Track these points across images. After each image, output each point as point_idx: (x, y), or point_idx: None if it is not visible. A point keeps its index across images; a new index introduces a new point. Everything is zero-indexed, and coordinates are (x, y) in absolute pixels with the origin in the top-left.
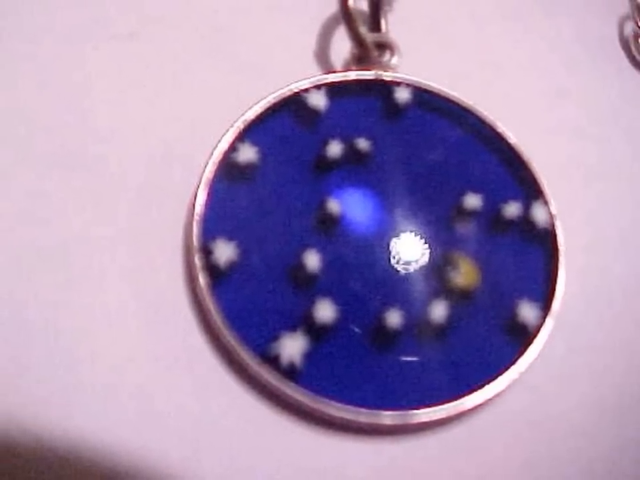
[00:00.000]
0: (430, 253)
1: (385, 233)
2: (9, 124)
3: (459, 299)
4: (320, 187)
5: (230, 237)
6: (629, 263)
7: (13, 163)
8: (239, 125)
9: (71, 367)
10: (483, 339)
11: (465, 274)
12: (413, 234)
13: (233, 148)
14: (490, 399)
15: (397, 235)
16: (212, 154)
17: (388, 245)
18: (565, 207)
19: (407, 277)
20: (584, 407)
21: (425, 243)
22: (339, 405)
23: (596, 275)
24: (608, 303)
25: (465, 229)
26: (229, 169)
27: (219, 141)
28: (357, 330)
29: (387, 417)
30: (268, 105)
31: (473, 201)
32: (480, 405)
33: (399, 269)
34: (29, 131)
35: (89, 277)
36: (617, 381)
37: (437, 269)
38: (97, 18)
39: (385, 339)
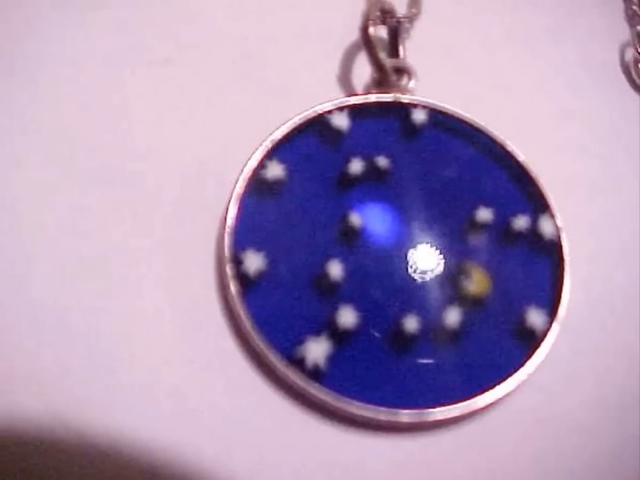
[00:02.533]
0: (445, 262)
1: (403, 244)
2: (54, 143)
3: (472, 305)
4: (342, 201)
5: (259, 248)
6: (630, 272)
7: (57, 179)
8: (267, 144)
9: (111, 369)
10: (493, 342)
11: (477, 282)
12: (429, 245)
13: (261, 165)
14: (500, 399)
15: (414, 246)
16: (242, 171)
17: (406, 256)
18: (570, 220)
19: (423, 285)
20: (588, 406)
21: (440, 253)
22: (360, 404)
23: (599, 283)
24: (610, 309)
25: (477, 240)
26: (258, 185)
27: (249, 159)
28: (376, 334)
29: (405, 415)
30: (294, 126)
31: (484, 214)
32: (491, 404)
33: (415, 277)
34: (72, 150)
35: (127, 285)
36: (618, 382)
37: (451, 277)
38: (134, 44)
39: (402, 342)
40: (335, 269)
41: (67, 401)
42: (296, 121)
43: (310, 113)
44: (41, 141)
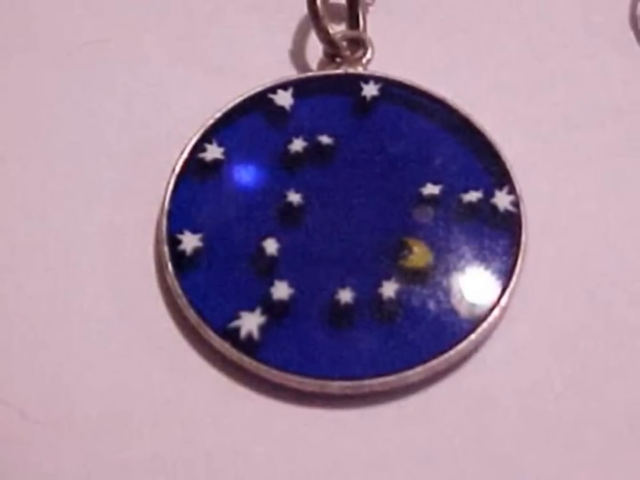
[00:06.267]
0: (384, 238)
1: (341, 222)
2: None
3: (411, 278)
4: (282, 181)
5: (196, 229)
6: (587, 246)
7: None
8: (207, 126)
9: (51, 349)
10: (434, 316)
11: (417, 256)
12: (368, 222)
13: (201, 148)
14: (439, 372)
15: (353, 223)
16: (182, 153)
17: (345, 232)
18: (530, 194)
19: (360, 259)
20: (534, 384)
21: (380, 229)
22: (295, 375)
23: (554, 259)
24: (563, 286)
25: (423, 216)
26: (196, 167)
27: (189, 141)
28: (311, 307)
29: (337, 387)
30: (233, 106)
31: (432, 189)
32: (429, 378)
33: (352, 252)
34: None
35: (67, 271)
36: (571, 360)
37: (390, 252)
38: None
39: (337, 315)
40: (271, 246)
41: None
42: (237, 101)
43: (252, 92)
44: None
